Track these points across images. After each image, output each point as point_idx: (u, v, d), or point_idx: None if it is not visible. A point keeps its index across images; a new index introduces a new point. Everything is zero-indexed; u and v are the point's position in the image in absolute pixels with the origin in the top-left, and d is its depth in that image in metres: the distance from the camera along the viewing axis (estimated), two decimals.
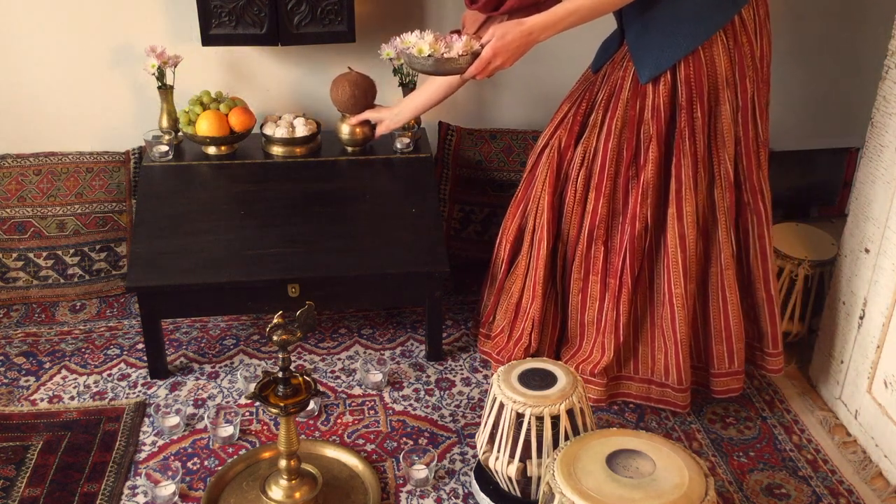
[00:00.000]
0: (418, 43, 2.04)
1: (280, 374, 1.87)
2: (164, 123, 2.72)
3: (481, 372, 2.50)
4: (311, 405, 2.31)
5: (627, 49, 2.13)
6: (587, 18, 2.04)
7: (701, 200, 2.15)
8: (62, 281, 2.77)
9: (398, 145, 2.72)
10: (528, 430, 1.85)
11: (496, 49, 2.00)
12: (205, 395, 2.39)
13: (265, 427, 2.28)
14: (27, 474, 2.10)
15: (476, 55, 2.02)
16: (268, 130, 2.70)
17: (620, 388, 2.33)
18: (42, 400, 2.36)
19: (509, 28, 2.00)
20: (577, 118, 2.23)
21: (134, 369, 2.49)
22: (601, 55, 2.26)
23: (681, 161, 2.11)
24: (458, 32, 2.11)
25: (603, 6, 2.02)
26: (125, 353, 2.56)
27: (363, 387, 2.44)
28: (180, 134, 2.73)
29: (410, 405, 2.37)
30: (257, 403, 2.32)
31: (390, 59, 2.68)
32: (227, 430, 2.23)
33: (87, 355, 2.54)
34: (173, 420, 2.26)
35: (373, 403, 2.38)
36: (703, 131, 2.10)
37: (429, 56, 2.02)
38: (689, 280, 2.17)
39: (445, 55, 2.02)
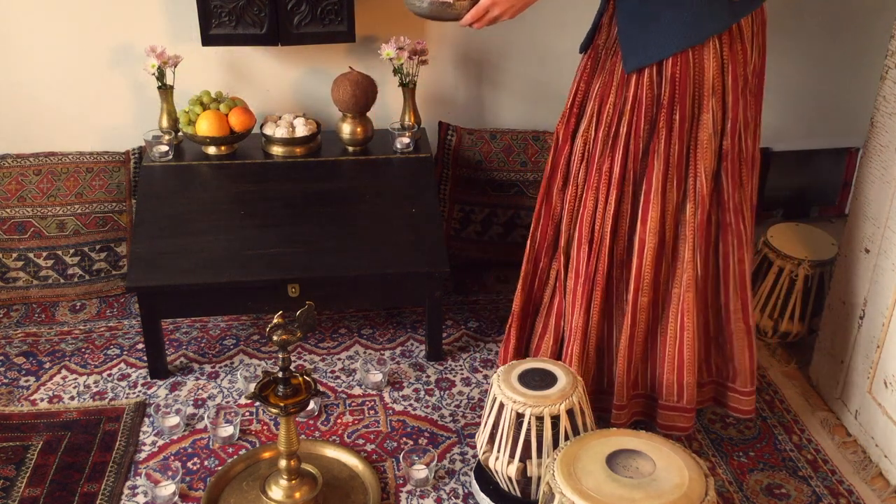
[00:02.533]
0: None
1: (280, 374, 1.87)
2: (164, 123, 2.72)
3: (481, 372, 2.50)
4: (311, 405, 2.31)
5: (616, 32, 2.05)
6: None
7: (670, 210, 2.05)
8: (62, 281, 2.77)
9: (398, 145, 2.72)
10: (528, 430, 1.85)
11: (494, 1, 1.90)
12: (205, 395, 2.39)
13: (265, 427, 2.28)
14: (27, 474, 2.10)
15: (475, 2, 1.94)
16: (268, 130, 2.70)
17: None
18: (42, 400, 2.36)
19: None
20: (574, 109, 2.13)
21: (134, 369, 2.49)
22: (590, 33, 2.14)
23: (653, 162, 2.02)
24: None
25: None
26: (125, 353, 2.56)
27: (363, 387, 2.44)
28: (180, 134, 2.73)
29: (410, 405, 2.37)
30: (257, 403, 2.32)
31: (390, 59, 2.69)
32: (227, 430, 2.23)
33: (87, 355, 2.54)
34: (173, 420, 2.26)
35: (373, 403, 2.38)
36: (680, 136, 2.01)
37: (429, 3, 1.93)
38: (639, 291, 2.07)
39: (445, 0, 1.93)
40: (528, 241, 2.24)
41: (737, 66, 2.01)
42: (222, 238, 2.42)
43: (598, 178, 2.07)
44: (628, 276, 2.09)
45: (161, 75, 2.65)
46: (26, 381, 2.44)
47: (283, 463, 1.94)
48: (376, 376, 2.43)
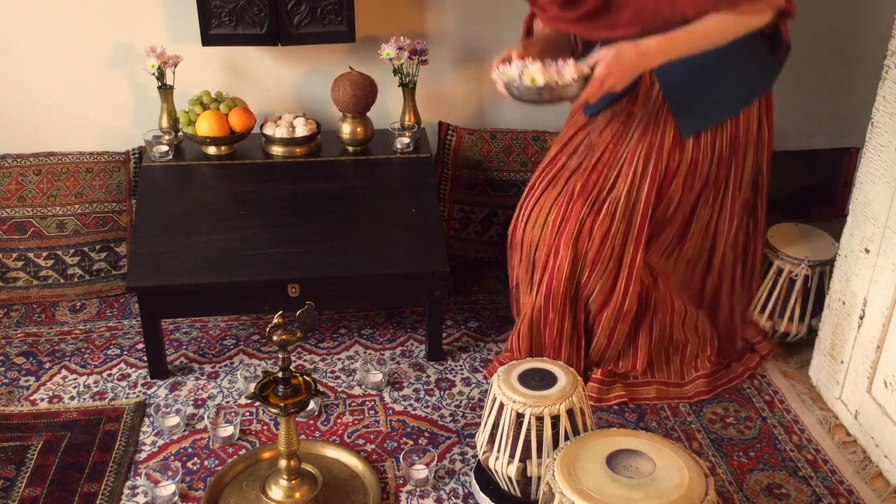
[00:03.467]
0: (528, 71, 1.90)
1: (280, 374, 1.87)
2: (164, 123, 2.72)
3: (481, 372, 2.50)
4: (311, 405, 2.31)
5: (662, 96, 2.12)
6: (705, 47, 1.97)
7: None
8: (62, 281, 2.77)
9: (398, 145, 2.72)
10: (528, 430, 1.85)
11: (610, 67, 1.90)
12: (205, 395, 2.39)
13: (265, 427, 2.28)
14: (27, 474, 2.10)
15: (586, 79, 1.92)
16: (268, 130, 2.70)
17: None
18: (42, 400, 2.36)
19: (624, 48, 1.91)
20: (595, 174, 2.20)
21: (134, 369, 2.49)
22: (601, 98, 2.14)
23: (702, 209, 2.25)
24: (545, 61, 1.97)
25: (726, 36, 1.97)
26: (125, 353, 2.56)
27: (363, 387, 2.44)
28: (180, 134, 2.73)
29: (410, 405, 2.37)
30: (257, 403, 2.32)
31: (390, 59, 2.69)
32: (227, 430, 2.23)
33: (87, 355, 2.54)
34: (173, 420, 2.26)
35: (373, 403, 2.38)
36: (733, 186, 2.25)
37: (543, 85, 1.89)
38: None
39: (559, 82, 1.89)
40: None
41: (771, 116, 2.22)
42: (222, 238, 2.42)
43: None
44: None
45: (161, 75, 2.65)
46: (26, 381, 2.44)
47: (283, 463, 1.94)
48: (376, 376, 2.43)
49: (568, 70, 1.90)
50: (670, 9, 1.93)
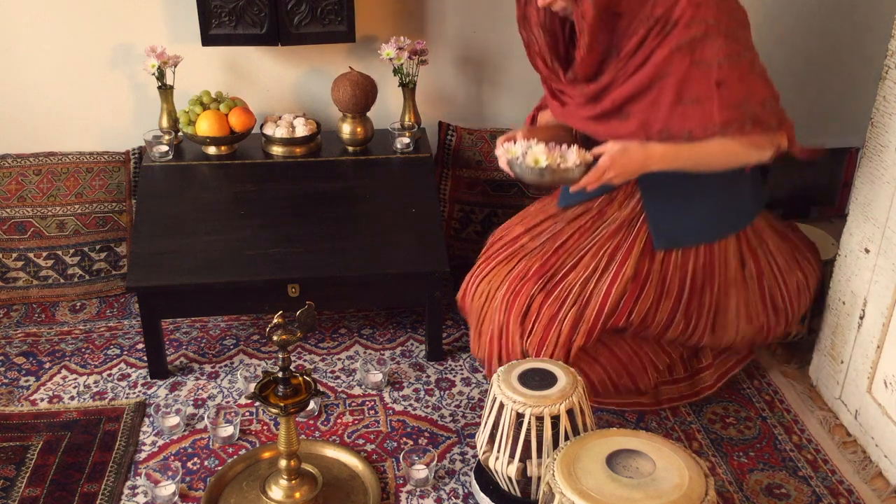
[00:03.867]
0: (532, 152, 1.96)
1: (280, 374, 1.87)
2: (164, 123, 2.72)
3: (481, 372, 2.50)
4: (311, 405, 2.31)
5: (641, 204, 2.12)
6: (707, 168, 2.01)
7: None
8: (62, 281, 2.77)
9: (398, 145, 2.72)
10: (528, 430, 1.85)
11: (614, 159, 1.94)
12: (205, 395, 2.39)
13: (265, 427, 2.28)
14: (27, 474, 2.10)
15: (588, 166, 1.96)
16: (268, 130, 2.70)
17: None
18: (42, 400, 2.36)
19: (632, 146, 1.95)
20: (554, 258, 2.15)
21: (134, 369, 2.49)
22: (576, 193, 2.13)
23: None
24: (549, 144, 2.02)
25: (729, 162, 2.01)
26: (125, 353, 2.56)
27: (363, 387, 2.44)
28: (180, 134, 2.73)
29: (410, 405, 2.37)
30: (257, 403, 2.32)
31: (390, 59, 2.69)
32: (227, 430, 2.23)
33: (87, 355, 2.54)
34: (173, 420, 2.26)
35: (373, 403, 2.38)
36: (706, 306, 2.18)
37: (545, 167, 1.94)
38: None
39: (562, 165, 1.95)
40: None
41: (758, 260, 2.19)
42: (222, 238, 2.42)
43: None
44: None
45: (161, 75, 2.65)
46: (26, 381, 2.44)
47: (283, 463, 1.94)
48: (376, 376, 2.43)
49: (571, 155, 1.95)
50: (679, 126, 1.93)
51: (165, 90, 2.69)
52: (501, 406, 1.88)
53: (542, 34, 2.05)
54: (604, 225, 2.16)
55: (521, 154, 1.97)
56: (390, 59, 2.69)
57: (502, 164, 2.02)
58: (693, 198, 2.10)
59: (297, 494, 1.95)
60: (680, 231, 2.11)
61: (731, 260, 2.17)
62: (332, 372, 2.50)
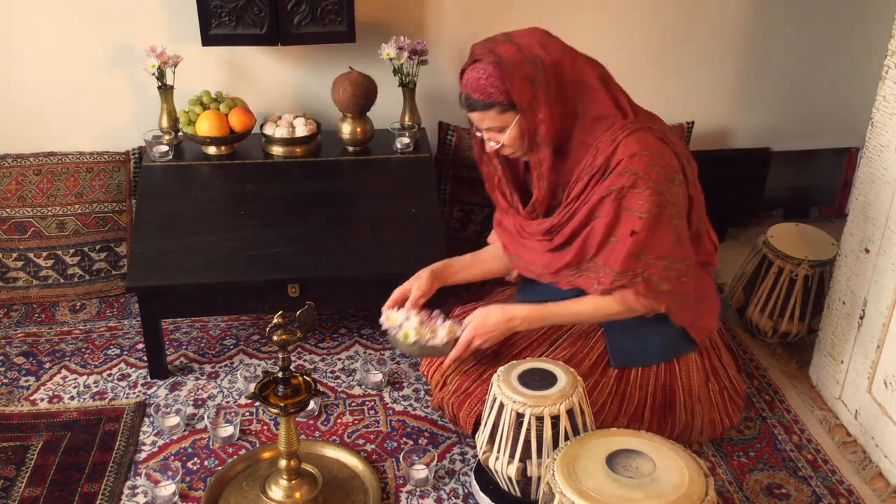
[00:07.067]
0: (404, 327, 2.09)
1: (280, 374, 1.87)
2: (164, 123, 2.72)
3: None
4: (311, 405, 2.31)
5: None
6: (574, 323, 2.10)
7: None
8: (62, 281, 2.77)
9: (398, 145, 2.72)
10: (528, 430, 1.85)
11: (476, 329, 2.05)
12: (205, 395, 2.39)
13: (265, 427, 2.28)
14: (27, 474, 2.10)
15: (457, 340, 2.07)
16: (268, 130, 2.70)
17: None
18: (42, 400, 2.36)
19: (491, 311, 2.05)
20: (509, 360, 2.11)
21: (134, 369, 2.49)
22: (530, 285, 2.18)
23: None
24: (444, 313, 2.16)
25: (597, 319, 2.06)
26: (125, 353, 2.56)
27: (363, 387, 2.44)
28: (180, 134, 2.73)
29: (410, 405, 2.37)
30: (257, 403, 2.32)
31: (390, 59, 2.69)
32: (227, 430, 2.23)
33: (87, 355, 2.54)
34: (173, 420, 2.26)
35: (373, 403, 2.37)
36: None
37: (413, 343, 2.08)
38: None
39: (430, 342, 2.08)
40: None
41: (720, 377, 2.17)
42: (222, 238, 2.42)
43: None
44: None
45: (161, 75, 2.65)
46: (26, 381, 2.44)
47: (283, 463, 1.94)
48: (376, 376, 2.43)
49: (441, 331, 2.07)
50: (601, 260, 1.97)
51: (165, 90, 2.69)
52: (501, 406, 1.88)
53: (501, 166, 2.12)
54: (563, 336, 2.15)
55: (396, 326, 2.11)
56: (390, 59, 2.69)
57: (382, 330, 2.16)
58: (652, 320, 2.06)
59: (297, 494, 1.95)
60: (637, 350, 2.09)
61: (693, 375, 2.14)
62: (332, 372, 2.50)
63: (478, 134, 2.06)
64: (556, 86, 1.91)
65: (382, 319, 2.16)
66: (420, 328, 2.09)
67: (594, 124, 1.95)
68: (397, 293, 2.18)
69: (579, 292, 2.05)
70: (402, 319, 2.12)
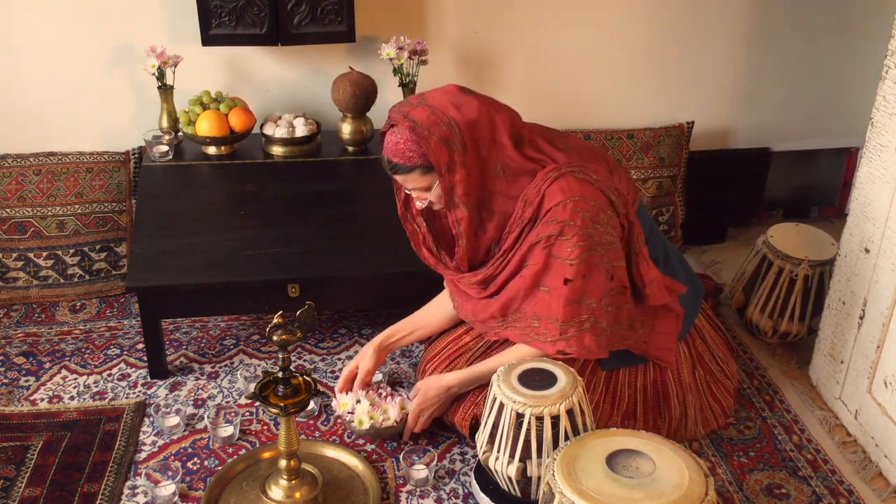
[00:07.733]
0: (357, 413, 2.17)
1: (280, 374, 1.87)
2: (164, 123, 2.72)
3: None
4: (311, 405, 2.31)
5: None
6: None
7: None
8: (62, 281, 2.77)
9: None
10: (528, 430, 1.85)
11: (420, 405, 2.14)
12: (205, 395, 2.39)
13: (265, 427, 2.28)
14: (27, 474, 2.10)
15: (406, 415, 2.17)
16: (268, 130, 2.70)
17: None
18: (42, 400, 2.36)
19: (429, 385, 2.13)
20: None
21: (134, 369, 2.49)
22: None
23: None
24: (393, 392, 2.26)
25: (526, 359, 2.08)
26: (125, 353, 2.56)
27: None
28: (180, 134, 2.73)
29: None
30: (257, 403, 2.32)
31: (390, 59, 2.69)
32: (227, 430, 2.23)
33: (87, 355, 2.54)
34: (173, 420, 2.26)
35: None
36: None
37: (368, 427, 2.16)
38: None
39: (384, 424, 2.16)
40: None
41: (705, 363, 2.22)
42: (222, 238, 2.42)
43: None
44: None
45: (161, 75, 2.65)
46: (26, 381, 2.44)
47: (283, 463, 1.94)
48: (376, 376, 2.43)
49: (392, 411, 2.17)
50: (530, 309, 2.00)
51: (165, 90, 2.69)
52: (501, 406, 1.88)
53: (425, 223, 2.16)
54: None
55: (348, 411, 2.19)
56: (390, 59, 2.69)
57: (336, 416, 2.27)
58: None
59: (297, 494, 1.95)
60: (622, 353, 2.10)
61: (683, 365, 2.17)
62: (332, 372, 2.50)
63: (403, 192, 2.11)
64: (473, 146, 1.93)
65: (334, 404, 2.23)
66: (372, 411, 2.17)
67: (517, 178, 1.98)
68: (345, 374, 2.26)
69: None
70: (352, 404, 2.19)
